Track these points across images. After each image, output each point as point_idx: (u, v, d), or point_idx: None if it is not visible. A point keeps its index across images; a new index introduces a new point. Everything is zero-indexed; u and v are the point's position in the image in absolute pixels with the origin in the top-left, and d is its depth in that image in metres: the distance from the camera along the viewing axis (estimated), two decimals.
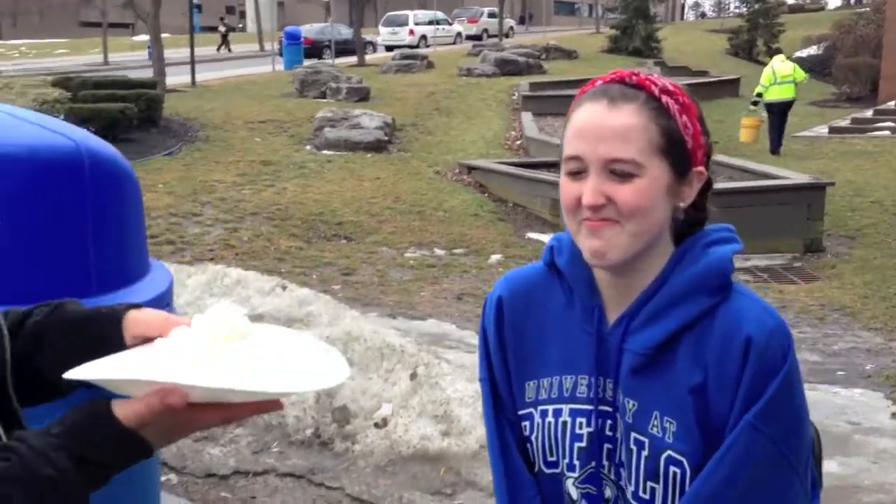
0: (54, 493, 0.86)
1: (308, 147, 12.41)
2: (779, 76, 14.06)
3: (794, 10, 53.18)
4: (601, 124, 1.13)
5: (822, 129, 17.13)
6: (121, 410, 0.90)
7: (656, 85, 1.17)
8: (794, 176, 9.78)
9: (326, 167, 11.24)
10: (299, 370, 0.94)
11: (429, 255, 8.09)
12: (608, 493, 1.23)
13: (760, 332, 1.12)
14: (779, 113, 14.04)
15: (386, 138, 12.64)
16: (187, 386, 0.87)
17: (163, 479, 3.42)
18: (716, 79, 22.81)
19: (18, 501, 0.84)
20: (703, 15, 73.34)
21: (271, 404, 0.93)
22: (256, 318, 4.09)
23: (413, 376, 3.86)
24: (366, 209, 9.48)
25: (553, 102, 16.38)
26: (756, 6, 33.17)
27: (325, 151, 12.13)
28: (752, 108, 14.81)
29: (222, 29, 36.49)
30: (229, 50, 34.71)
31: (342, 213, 9.27)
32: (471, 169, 11.49)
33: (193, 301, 4.13)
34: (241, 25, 62.01)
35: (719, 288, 1.17)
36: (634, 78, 1.18)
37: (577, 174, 1.15)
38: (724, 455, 1.12)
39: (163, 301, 1.77)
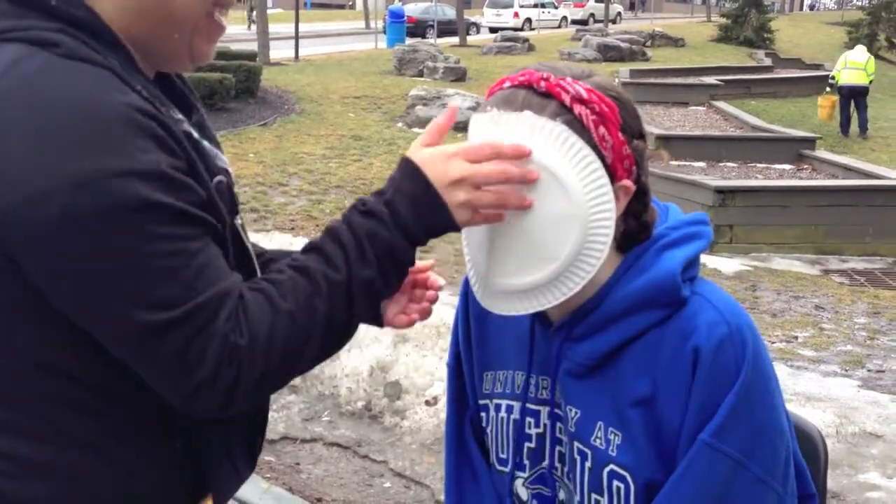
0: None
1: (399, 124, 12.47)
2: (849, 62, 15.06)
3: None
4: None
5: None
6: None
7: (568, 92, 1.01)
8: None
9: None
10: None
11: None
12: (562, 495, 1.15)
13: (709, 340, 1.01)
14: (847, 96, 14.90)
15: None
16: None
17: None
18: (829, 73, 21.81)
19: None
20: (812, 7, 70.02)
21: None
22: None
23: None
24: None
25: (653, 90, 16.03)
26: None
27: (415, 129, 12.16)
28: (827, 89, 15.62)
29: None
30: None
31: None
32: None
33: None
34: (350, 3, 62.84)
35: (669, 303, 1.05)
36: (544, 84, 1.02)
37: None
38: (682, 477, 1.02)
39: None
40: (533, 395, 1.15)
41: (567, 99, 1.01)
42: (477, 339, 1.25)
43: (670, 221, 1.12)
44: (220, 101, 11.79)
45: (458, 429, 1.28)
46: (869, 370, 4.80)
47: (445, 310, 4.26)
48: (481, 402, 1.24)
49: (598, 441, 1.08)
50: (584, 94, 1.02)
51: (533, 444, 1.16)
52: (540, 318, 1.14)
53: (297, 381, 3.88)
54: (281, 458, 3.40)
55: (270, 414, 3.88)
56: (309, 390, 3.83)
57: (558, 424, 1.14)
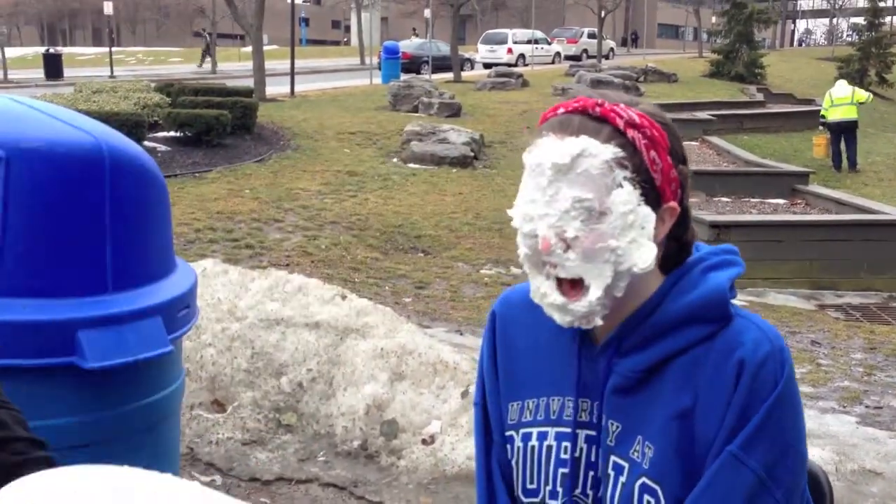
0: None
1: (394, 159, 12.52)
2: (835, 99, 15.51)
3: None
4: None
5: None
6: None
7: (622, 117, 1.08)
8: (893, 211, 9.32)
9: (410, 180, 11.31)
10: None
11: (504, 273, 8.02)
12: None
13: (754, 355, 1.06)
14: (837, 132, 15.43)
15: (472, 154, 12.64)
16: None
17: (207, 479, 3.45)
18: (820, 108, 22.04)
19: None
20: (800, 42, 71.03)
21: None
22: (314, 325, 4.11)
23: (464, 394, 3.80)
24: (445, 224, 9.48)
25: None
26: (868, 35, 31.95)
27: (410, 164, 12.22)
28: (820, 128, 16.24)
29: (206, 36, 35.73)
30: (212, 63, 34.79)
31: (421, 226, 9.29)
32: None
33: (255, 305, 4.17)
34: (345, 39, 63.43)
35: (718, 318, 1.10)
36: (598, 109, 1.09)
37: None
38: (706, 489, 1.05)
39: (182, 302, 1.77)
40: (570, 418, 1.16)
41: (621, 123, 1.08)
42: (504, 370, 1.26)
43: (706, 249, 1.18)
44: (216, 138, 11.84)
45: (489, 467, 1.28)
46: (867, 406, 4.78)
47: (442, 347, 4.25)
48: (507, 433, 1.24)
49: (635, 454, 1.10)
50: (637, 119, 1.09)
51: (567, 470, 1.16)
52: (584, 341, 1.16)
53: (292, 419, 3.85)
54: (276, 499, 3.36)
55: (265, 454, 3.82)
56: (304, 430, 3.79)
57: (594, 447, 1.15)
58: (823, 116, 15.83)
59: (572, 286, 1.08)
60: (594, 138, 1.06)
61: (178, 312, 1.76)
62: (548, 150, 1.07)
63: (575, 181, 1.05)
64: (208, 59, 34.68)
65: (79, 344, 1.57)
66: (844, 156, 15.53)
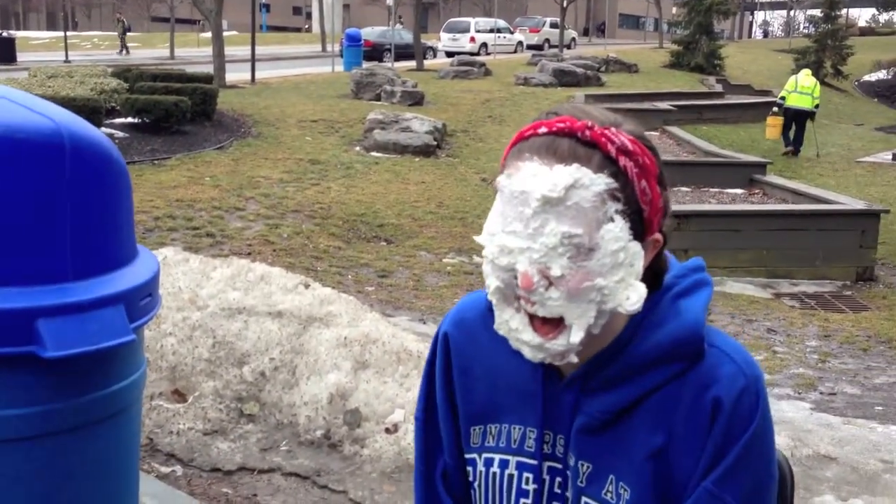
0: None
1: (357, 148, 12.46)
2: (800, 86, 15.76)
3: (864, 32, 52.09)
4: None
5: (887, 156, 16.74)
6: None
7: (613, 143, 0.99)
8: (847, 201, 9.51)
9: (373, 169, 11.27)
10: None
11: (467, 262, 8.04)
12: None
13: (730, 392, 1.02)
14: (792, 118, 15.76)
15: (435, 143, 12.63)
16: None
17: (167, 470, 3.42)
18: (777, 98, 22.35)
19: None
20: (765, 34, 72.28)
21: None
22: (277, 314, 4.08)
23: None
24: (408, 213, 9.47)
25: None
26: (824, 27, 32.47)
27: (373, 153, 12.17)
28: (774, 109, 16.42)
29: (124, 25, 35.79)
30: (127, 52, 34.50)
31: (384, 215, 9.27)
32: None
33: (216, 294, 4.13)
34: (307, 26, 62.85)
35: (691, 355, 1.05)
36: (588, 132, 0.98)
37: None
38: None
39: (144, 291, 1.74)
40: (532, 449, 1.12)
41: (612, 150, 0.99)
42: (461, 392, 1.20)
43: (674, 269, 1.12)
44: (175, 124, 11.68)
45: (430, 484, 1.23)
46: (821, 393, 4.89)
47: (405, 335, 4.25)
48: (468, 455, 1.19)
49: (608, 495, 1.06)
50: (629, 146, 1.00)
51: (529, 501, 1.12)
52: (548, 371, 1.11)
53: (254, 409, 3.83)
54: (238, 489, 3.34)
55: (227, 444, 3.79)
56: (267, 419, 3.77)
57: (557, 479, 1.11)
58: (783, 98, 15.98)
59: (545, 322, 1.00)
60: (586, 167, 0.97)
61: (141, 301, 1.74)
62: (534, 178, 0.97)
63: (564, 214, 0.96)
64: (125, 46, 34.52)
65: (38, 332, 1.54)
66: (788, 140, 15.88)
